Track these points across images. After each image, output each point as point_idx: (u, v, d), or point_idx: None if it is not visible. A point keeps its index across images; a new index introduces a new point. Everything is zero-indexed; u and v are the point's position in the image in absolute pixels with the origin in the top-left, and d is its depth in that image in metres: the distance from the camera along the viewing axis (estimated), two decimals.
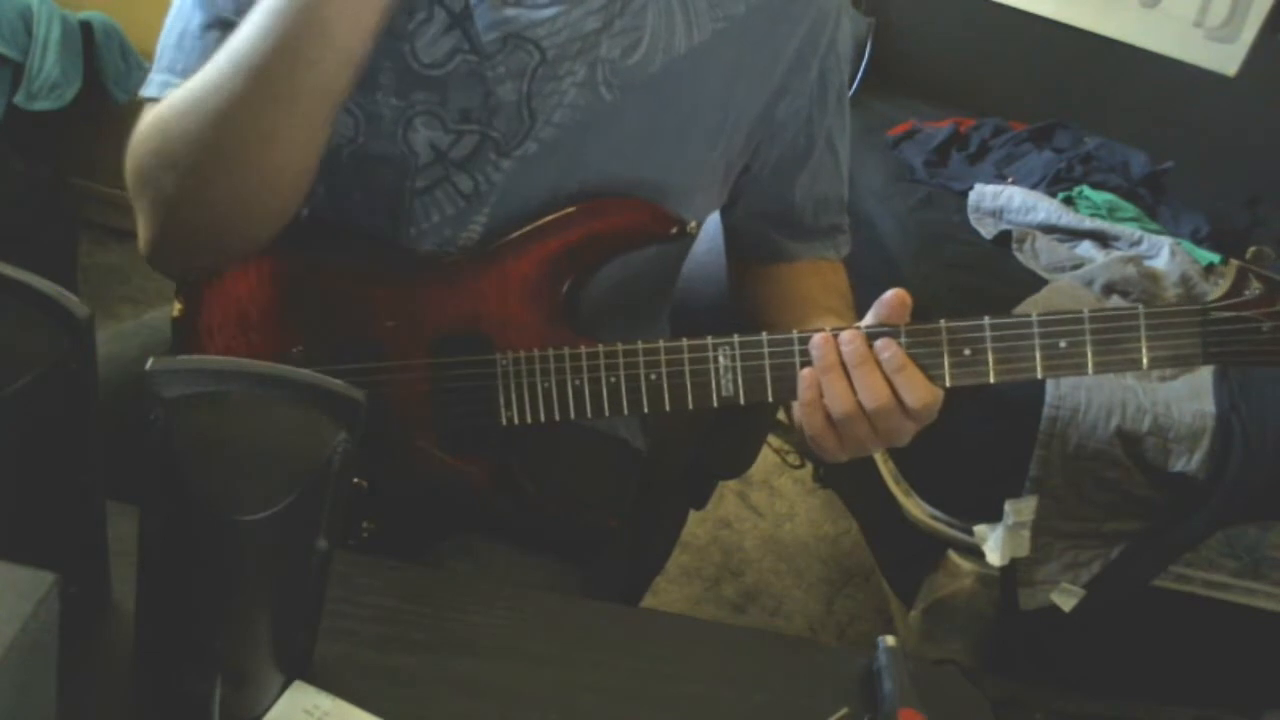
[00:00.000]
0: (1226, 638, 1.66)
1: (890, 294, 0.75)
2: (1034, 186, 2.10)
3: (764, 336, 0.78)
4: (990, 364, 0.75)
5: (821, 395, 0.75)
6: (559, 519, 0.89)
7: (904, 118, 2.37)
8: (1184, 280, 1.84)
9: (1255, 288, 0.73)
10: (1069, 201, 2.05)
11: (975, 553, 1.58)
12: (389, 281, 0.85)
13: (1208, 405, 1.51)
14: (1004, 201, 1.98)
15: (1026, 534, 1.51)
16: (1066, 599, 1.54)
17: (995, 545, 1.53)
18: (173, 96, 0.73)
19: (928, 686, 0.72)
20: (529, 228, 0.83)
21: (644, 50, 0.82)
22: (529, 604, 0.76)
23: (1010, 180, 2.12)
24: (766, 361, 0.79)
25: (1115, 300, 1.77)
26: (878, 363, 0.74)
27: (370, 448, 0.85)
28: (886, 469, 1.72)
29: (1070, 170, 2.17)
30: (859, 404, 0.74)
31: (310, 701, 0.62)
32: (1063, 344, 0.74)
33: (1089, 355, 0.74)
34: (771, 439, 2.26)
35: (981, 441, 1.56)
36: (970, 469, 1.59)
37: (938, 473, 1.64)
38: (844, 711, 0.71)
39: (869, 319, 0.76)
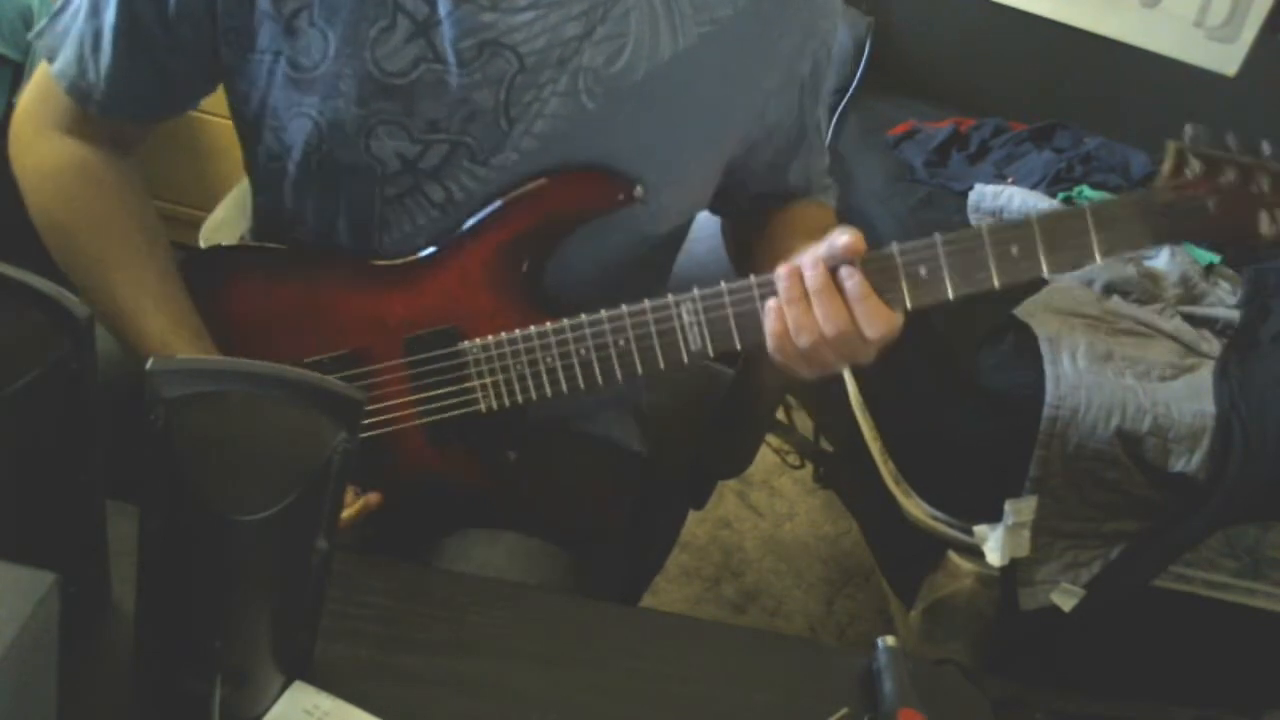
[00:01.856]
0: (1226, 638, 1.66)
1: (845, 238, 0.75)
2: (1034, 186, 2.09)
3: (723, 286, 0.79)
4: (947, 280, 0.76)
5: (788, 327, 0.76)
6: (557, 514, 0.90)
7: (904, 118, 2.37)
8: (1184, 280, 1.84)
9: (1195, 166, 0.74)
10: (1069, 202, 2.05)
11: (975, 553, 1.58)
12: (354, 288, 0.85)
13: (1208, 405, 1.50)
14: (1004, 201, 1.98)
15: (1026, 534, 1.51)
16: (1066, 599, 1.54)
17: (995, 545, 1.53)
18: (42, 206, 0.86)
19: (928, 686, 0.72)
20: (481, 215, 0.83)
21: (627, 57, 0.80)
22: (529, 604, 0.76)
23: (1010, 180, 2.12)
24: (729, 310, 0.79)
25: (1115, 300, 1.77)
26: (840, 290, 0.75)
27: (363, 452, 0.85)
28: (886, 469, 1.72)
29: (1070, 170, 2.16)
30: (822, 333, 0.75)
31: (310, 701, 0.62)
32: (1015, 249, 0.75)
33: (1041, 257, 0.75)
34: (771, 439, 2.26)
35: (981, 441, 1.56)
36: (970, 469, 1.58)
37: (938, 473, 1.64)
38: (844, 711, 0.71)
39: (821, 251, 0.76)
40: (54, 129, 0.85)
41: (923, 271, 0.76)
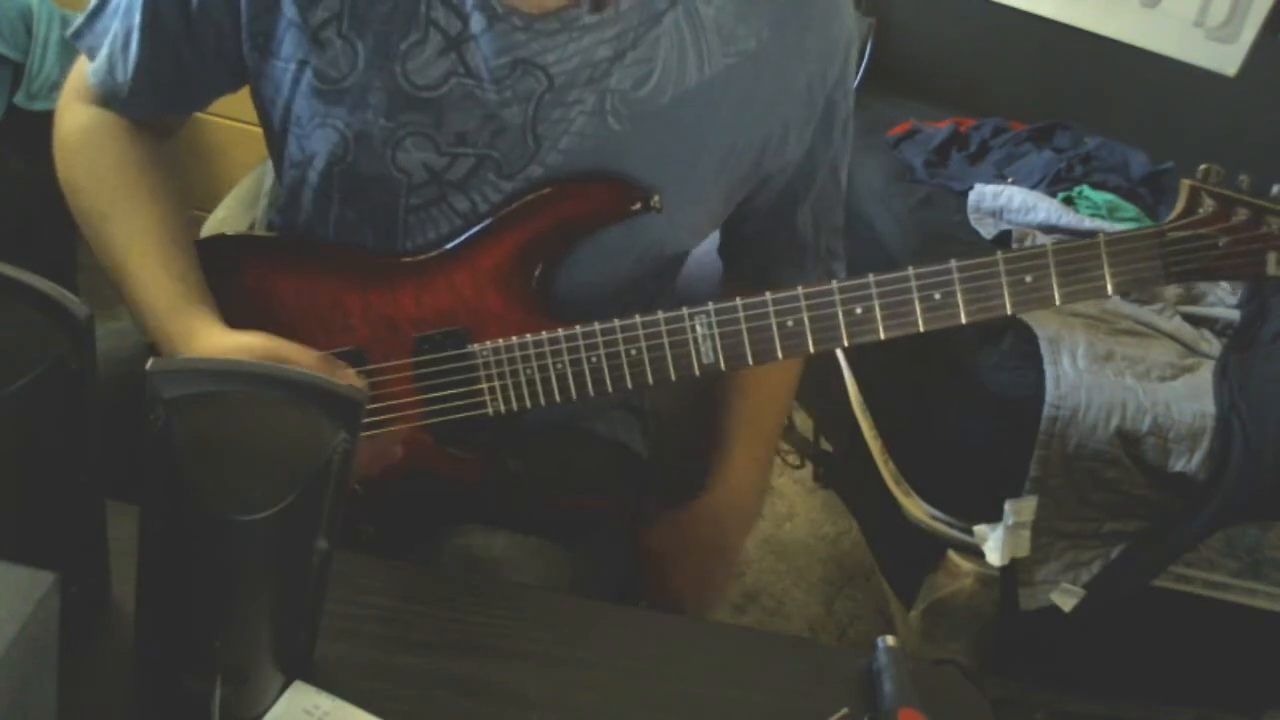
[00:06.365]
0: (1226, 638, 1.66)
1: None
2: (1034, 186, 2.09)
3: (739, 302, 0.80)
4: (961, 305, 0.78)
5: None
6: (558, 512, 0.90)
7: (904, 118, 2.37)
8: None
9: (1208, 205, 0.77)
10: (1069, 201, 2.05)
11: (975, 553, 1.58)
12: (363, 286, 0.85)
13: (1208, 405, 1.50)
14: (1004, 201, 1.98)
15: (1026, 534, 1.51)
16: (1066, 599, 1.54)
17: (995, 545, 1.53)
18: (72, 169, 0.87)
19: (928, 686, 0.72)
20: (495, 218, 0.83)
21: (655, 82, 0.81)
22: (529, 604, 0.76)
23: (1010, 180, 2.12)
24: (743, 326, 0.80)
25: (1115, 300, 1.77)
26: None
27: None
28: (887, 470, 1.72)
29: (1070, 170, 2.16)
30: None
31: (310, 701, 0.62)
32: (1029, 279, 0.77)
33: (1055, 287, 0.77)
34: None
35: (981, 441, 1.56)
36: (970, 469, 1.58)
37: (938, 473, 1.64)
38: (844, 711, 0.71)
39: None
40: (83, 102, 0.88)
41: (937, 296, 0.77)
